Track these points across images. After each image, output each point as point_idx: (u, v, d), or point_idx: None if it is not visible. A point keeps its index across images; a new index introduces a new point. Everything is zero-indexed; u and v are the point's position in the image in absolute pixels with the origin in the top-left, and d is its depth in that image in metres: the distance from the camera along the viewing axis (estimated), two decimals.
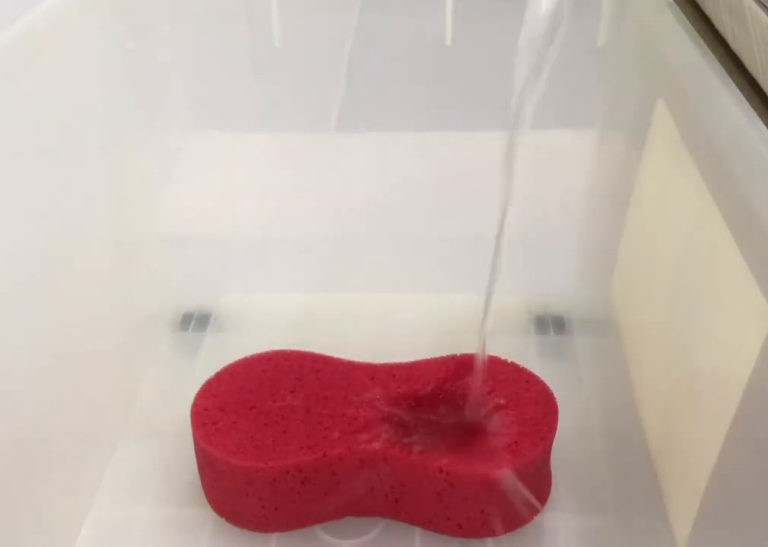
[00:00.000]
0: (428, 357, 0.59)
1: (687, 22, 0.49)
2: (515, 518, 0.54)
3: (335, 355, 0.59)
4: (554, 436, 0.54)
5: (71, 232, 0.56)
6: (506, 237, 0.48)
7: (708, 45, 0.45)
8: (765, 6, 0.40)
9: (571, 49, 0.68)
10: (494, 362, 0.58)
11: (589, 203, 0.73)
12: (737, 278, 0.39)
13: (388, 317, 0.74)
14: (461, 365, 0.58)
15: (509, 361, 0.59)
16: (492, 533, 0.54)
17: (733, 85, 0.41)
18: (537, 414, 0.54)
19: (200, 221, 0.74)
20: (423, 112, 0.70)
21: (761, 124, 0.37)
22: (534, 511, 0.56)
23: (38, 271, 0.51)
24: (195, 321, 0.75)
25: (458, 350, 0.60)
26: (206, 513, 0.57)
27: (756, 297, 0.36)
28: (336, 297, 0.75)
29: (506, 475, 0.51)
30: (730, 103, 0.40)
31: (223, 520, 0.56)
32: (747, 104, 0.39)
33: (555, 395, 0.56)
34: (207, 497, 0.57)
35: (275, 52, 0.74)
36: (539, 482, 0.55)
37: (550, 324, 0.74)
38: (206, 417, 0.55)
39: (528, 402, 0.55)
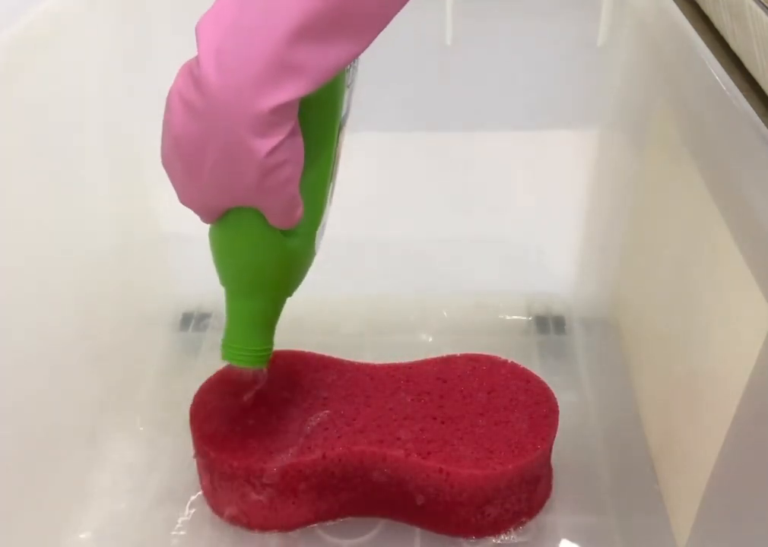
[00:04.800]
0: (427, 357, 0.59)
1: (687, 22, 0.49)
2: (515, 518, 0.54)
3: (335, 356, 0.59)
4: (554, 436, 0.54)
5: (70, 233, 0.56)
6: None
7: (708, 45, 0.45)
8: (765, 6, 0.40)
9: (571, 49, 0.69)
10: (494, 362, 0.58)
11: (590, 203, 0.73)
12: (737, 278, 0.39)
13: (387, 316, 0.74)
14: (461, 364, 0.58)
15: (509, 361, 0.59)
16: (492, 533, 0.54)
17: (733, 85, 0.41)
18: (537, 414, 0.54)
19: (200, 221, 0.74)
20: (424, 112, 0.70)
21: (761, 124, 0.37)
22: (535, 511, 0.56)
23: (38, 271, 0.51)
24: (195, 321, 0.75)
25: (458, 350, 0.60)
26: (206, 513, 0.57)
27: (756, 297, 0.36)
28: (336, 297, 0.75)
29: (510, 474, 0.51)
30: (730, 103, 0.40)
31: (223, 520, 0.56)
32: (747, 104, 0.39)
33: (555, 395, 0.56)
34: (207, 497, 0.57)
35: None
36: (539, 482, 0.55)
37: (550, 324, 0.74)
38: (205, 417, 0.55)
39: (528, 402, 0.55)
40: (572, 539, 0.55)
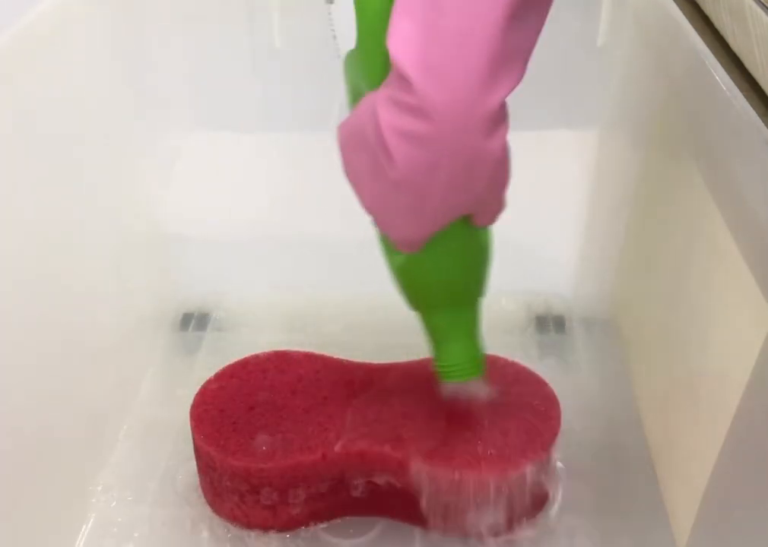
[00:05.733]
0: (427, 356, 0.59)
1: (687, 22, 0.49)
2: (516, 518, 0.54)
3: (335, 356, 0.59)
4: (555, 436, 0.54)
5: (71, 233, 0.56)
6: None
7: (708, 45, 0.45)
8: (765, 6, 0.40)
9: (571, 49, 0.69)
10: (496, 362, 0.58)
11: (589, 203, 0.73)
12: (737, 278, 0.39)
13: (387, 316, 0.74)
14: None
15: (511, 361, 0.59)
16: (493, 533, 0.54)
17: (733, 85, 0.41)
18: (537, 414, 0.54)
19: (200, 221, 0.74)
20: None
21: (761, 124, 0.37)
22: (535, 511, 0.56)
23: (38, 271, 0.51)
24: (195, 321, 0.75)
25: None
26: (206, 513, 0.57)
27: (756, 297, 0.36)
28: (336, 297, 0.75)
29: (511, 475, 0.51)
30: (730, 103, 0.40)
31: (223, 519, 0.56)
32: (747, 104, 0.39)
33: (555, 395, 0.56)
34: (207, 498, 0.57)
35: (275, 52, 0.74)
36: (540, 482, 0.55)
37: (551, 324, 0.74)
38: (205, 417, 0.55)
39: (529, 402, 0.55)
40: (572, 539, 0.55)
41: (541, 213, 0.74)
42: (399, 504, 0.54)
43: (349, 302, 0.75)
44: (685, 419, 0.48)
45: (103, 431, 0.61)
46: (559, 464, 0.58)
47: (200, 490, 0.57)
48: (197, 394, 0.57)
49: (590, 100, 0.68)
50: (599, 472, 0.59)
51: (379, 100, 0.36)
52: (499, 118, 0.36)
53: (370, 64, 0.39)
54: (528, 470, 0.52)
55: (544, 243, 0.76)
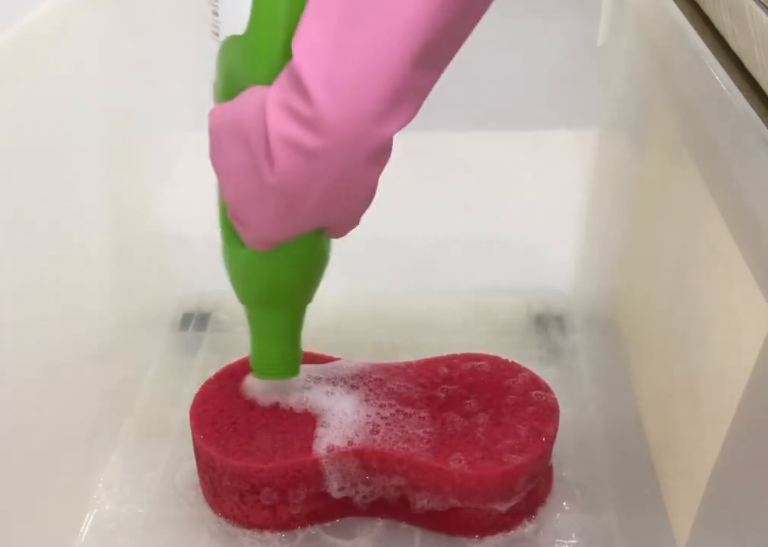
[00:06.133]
0: (427, 357, 0.59)
1: (687, 22, 0.49)
2: (516, 518, 0.54)
3: (335, 355, 0.59)
4: (555, 436, 0.54)
5: (70, 233, 0.56)
6: None
7: (708, 45, 0.45)
8: (765, 6, 0.40)
9: (571, 50, 0.69)
10: (495, 362, 0.58)
11: (589, 203, 0.73)
12: (737, 278, 0.39)
13: (386, 316, 0.74)
14: (461, 364, 0.58)
15: (510, 360, 0.59)
16: (492, 533, 0.54)
17: (733, 85, 0.41)
18: (537, 414, 0.54)
19: (200, 221, 0.74)
20: (423, 111, 0.70)
21: (761, 124, 0.37)
22: (535, 510, 0.56)
23: (37, 271, 0.51)
24: (195, 321, 0.75)
25: (458, 350, 0.60)
26: (206, 513, 0.57)
27: (756, 297, 0.36)
28: (335, 297, 0.75)
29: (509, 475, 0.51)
30: (730, 103, 0.40)
31: (222, 519, 0.56)
32: (747, 104, 0.39)
33: (555, 395, 0.56)
34: (207, 497, 0.57)
35: None
36: (539, 482, 0.55)
37: (551, 323, 0.74)
38: (205, 417, 0.55)
39: (529, 402, 0.55)
40: (572, 539, 0.55)
41: (541, 213, 0.74)
42: (399, 504, 0.54)
43: (348, 302, 0.75)
44: (685, 419, 0.48)
45: (103, 431, 0.61)
46: (558, 464, 0.58)
47: (200, 489, 0.57)
48: (197, 394, 0.57)
49: (590, 100, 0.68)
50: (599, 472, 0.59)
51: (271, 102, 0.35)
52: (385, 150, 0.36)
53: (261, 58, 0.38)
54: (527, 470, 0.52)
55: (544, 243, 0.76)
